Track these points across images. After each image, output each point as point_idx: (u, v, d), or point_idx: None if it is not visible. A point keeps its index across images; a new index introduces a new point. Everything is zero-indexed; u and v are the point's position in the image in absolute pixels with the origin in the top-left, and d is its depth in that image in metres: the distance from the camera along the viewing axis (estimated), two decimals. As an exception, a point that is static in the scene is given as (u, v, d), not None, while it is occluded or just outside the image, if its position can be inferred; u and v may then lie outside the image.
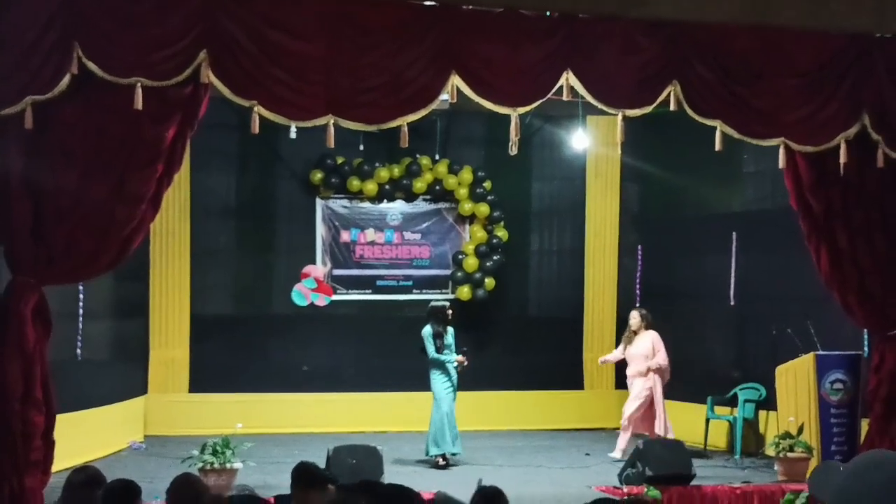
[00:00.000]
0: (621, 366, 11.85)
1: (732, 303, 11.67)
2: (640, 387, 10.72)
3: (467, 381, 13.10)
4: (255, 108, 7.33)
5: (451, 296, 13.15)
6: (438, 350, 10.46)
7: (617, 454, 10.63)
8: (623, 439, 10.75)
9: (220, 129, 11.52)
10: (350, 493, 4.79)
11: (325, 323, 12.87)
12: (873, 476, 2.31)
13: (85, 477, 5.06)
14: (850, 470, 2.38)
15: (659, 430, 10.59)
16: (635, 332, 10.90)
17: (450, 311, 10.65)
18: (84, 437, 9.57)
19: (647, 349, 10.76)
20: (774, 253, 10.96)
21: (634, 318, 10.94)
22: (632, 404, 10.73)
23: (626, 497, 8.33)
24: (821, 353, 9.63)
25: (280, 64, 7.35)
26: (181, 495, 4.89)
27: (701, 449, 10.89)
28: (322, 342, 12.85)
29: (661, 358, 10.74)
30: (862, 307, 8.77)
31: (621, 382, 13.36)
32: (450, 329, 10.59)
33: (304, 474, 4.97)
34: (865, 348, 9.73)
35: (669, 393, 12.16)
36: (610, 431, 12.78)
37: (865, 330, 9.53)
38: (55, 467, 7.44)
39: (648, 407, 10.70)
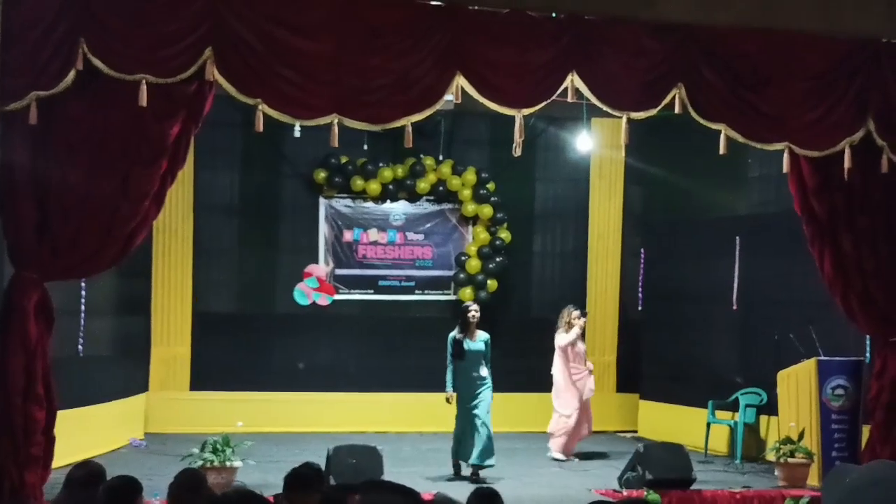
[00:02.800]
0: (624, 369, 11.85)
1: (735, 307, 11.64)
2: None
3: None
4: (260, 107, 7.33)
5: (453, 297, 13.14)
6: (454, 357, 9.65)
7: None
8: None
9: (224, 128, 11.53)
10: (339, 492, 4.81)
11: (327, 322, 12.87)
12: (872, 494, 2.33)
13: (86, 472, 5.06)
14: (853, 484, 2.40)
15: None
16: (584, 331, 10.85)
17: (472, 314, 9.71)
18: (85, 434, 9.56)
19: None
20: (778, 257, 10.94)
21: (579, 318, 10.77)
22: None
23: (623, 499, 8.30)
24: (823, 358, 9.61)
25: (286, 62, 7.35)
26: (183, 484, 4.93)
27: (701, 453, 10.87)
28: (324, 342, 12.84)
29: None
30: (864, 312, 8.76)
31: (623, 385, 13.38)
32: (481, 335, 9.74)
33: (297, 478, 5.00)
34: (867, 354, 9.71)
35: (672, 396, 12.18)
36: (611, 434, 12.76)
37: (868, 336, 9.51)
38: (55, 463, 7.44)
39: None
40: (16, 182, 7.05)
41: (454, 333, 9.75)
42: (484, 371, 9.73)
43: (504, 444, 11.67)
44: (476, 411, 9.63)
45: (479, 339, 9.74)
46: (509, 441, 11.94)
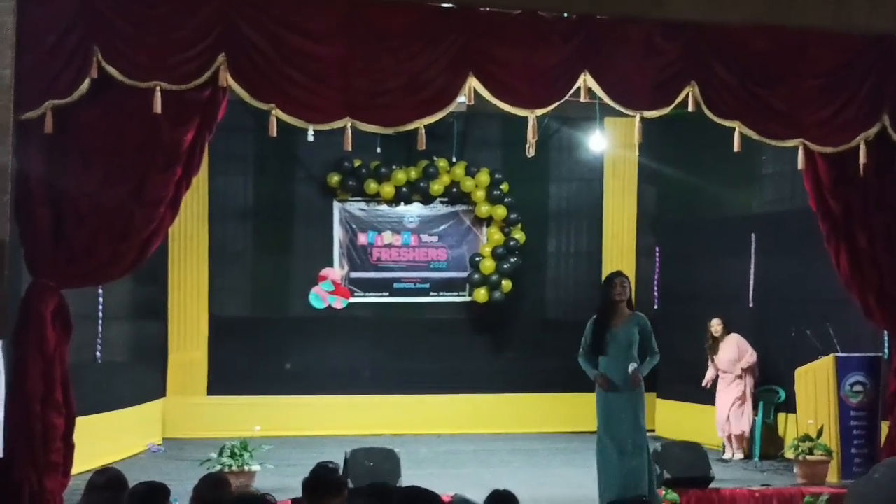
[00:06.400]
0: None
1: (751, 304, 11.62)
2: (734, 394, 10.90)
3: (484, 382, 13.08)
4: (273, 111, 7.35)
5: (468, 298, 13.14)
6: (593, 350, 7.70)
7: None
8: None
9: (237, 133, 11.57)
10: (364, 497, 4.79)
11: (343, 325, 12.89)
12: (888, 474, 2.37)
13: (107, 478, 5.08)
14: (869, 472, 2.44)
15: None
16: (717, 339, 11.00)
17: (618, 289, 7.67)
18: (103, 440, 9.60)
19: (734, 353, 10.90)
20: (794, 255, 10.91)
21: (717, 325, 10.98)
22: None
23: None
24: (840, 355, 9.58)
25: (298, 66, 7.37)
26: (206, 483, 4.97)
27: (720, 451, 10.84)
28: (339, 345, 12.87)
29: (751, 356, 10.90)
30: (882, 309, 8.71)
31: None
32: (633, 318, 7.74)
33: (317, 482, 4.96)
34: (885, 350, 9.67)
35: (689, 395, 12.15)
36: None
37: (885, 332, 9.46)
38: (74, 470, 7.47)
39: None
40: (31, 190, 7.08)
41: (593, 316, 7.86)
42: (633, 367, 7.63)
43: (522, 445, 11.71)
44: (634, 432, 7.63)
45: (630, 324, 7.73)
46: (527, 442, 11.97)
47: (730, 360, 10.88)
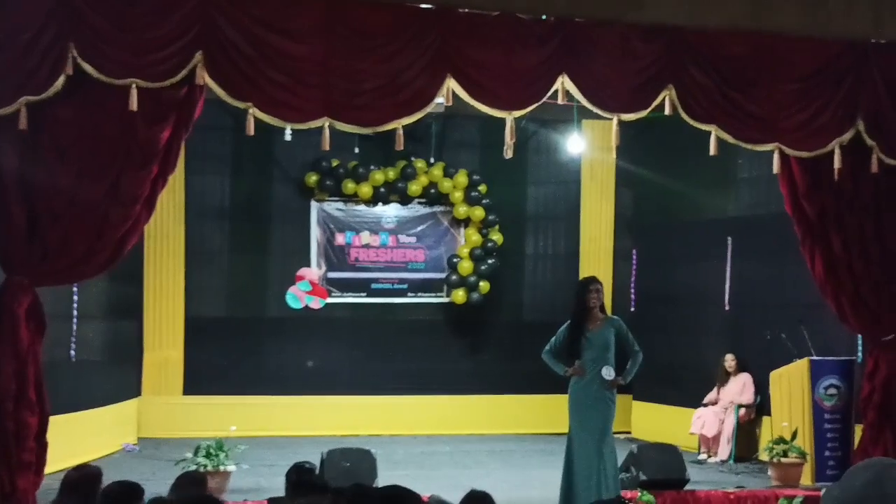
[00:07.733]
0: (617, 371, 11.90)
1: (727, 308, 11.67)
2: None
3: (461, 383, 13.06)
4: (251, 110, 7.32)
5: (446, 299, 13.14)
6: (568, 354, 7.59)
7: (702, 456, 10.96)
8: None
9: (214, 132, 11.52)
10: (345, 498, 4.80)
11: (320, 326, 12.85)
12: (860, 475, 2.39)
13: (82, 475, 5.05)
14: (844, 476, 2.46)
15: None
16: (728, 374, 11.10)
17: (594, 294, 7.58)
18: (77, 439, 9.53)
19: (739, 389, 11.01)
20: (769, 258, 10.97)
21: (730, 361, 11.08)
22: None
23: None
24: (815, 358, 9.64)
25: (276, 66, 7.36)
26: (185, 480, 4.97)
27: (695, 454, 10.88)
28: (316, 345, 12.83)
29: (751, 396, 10.97)
30: (856, 313, 8.78)
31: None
32: (608, 322, 7.68)
33: (302, 483, 4.97)
34: (859, 354, 9.73)
35: (665, 397, 12.19)
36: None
37: (859, 336, 9.53)
38: (48, 469, 7.42)
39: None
40: (5, 186, 7.04)
41: (569, 322, 7.70)
42: (609, 373, 7.54)
43: (498, 447, 11.72)
44: (605, 445, 7.56)
45: (605, 328, 7.63)
46: (503, 443, 11.97)
47: (734, 394, 11.03)
